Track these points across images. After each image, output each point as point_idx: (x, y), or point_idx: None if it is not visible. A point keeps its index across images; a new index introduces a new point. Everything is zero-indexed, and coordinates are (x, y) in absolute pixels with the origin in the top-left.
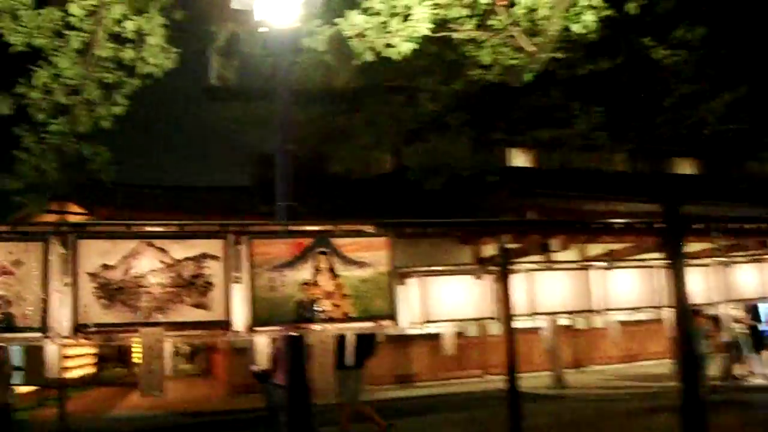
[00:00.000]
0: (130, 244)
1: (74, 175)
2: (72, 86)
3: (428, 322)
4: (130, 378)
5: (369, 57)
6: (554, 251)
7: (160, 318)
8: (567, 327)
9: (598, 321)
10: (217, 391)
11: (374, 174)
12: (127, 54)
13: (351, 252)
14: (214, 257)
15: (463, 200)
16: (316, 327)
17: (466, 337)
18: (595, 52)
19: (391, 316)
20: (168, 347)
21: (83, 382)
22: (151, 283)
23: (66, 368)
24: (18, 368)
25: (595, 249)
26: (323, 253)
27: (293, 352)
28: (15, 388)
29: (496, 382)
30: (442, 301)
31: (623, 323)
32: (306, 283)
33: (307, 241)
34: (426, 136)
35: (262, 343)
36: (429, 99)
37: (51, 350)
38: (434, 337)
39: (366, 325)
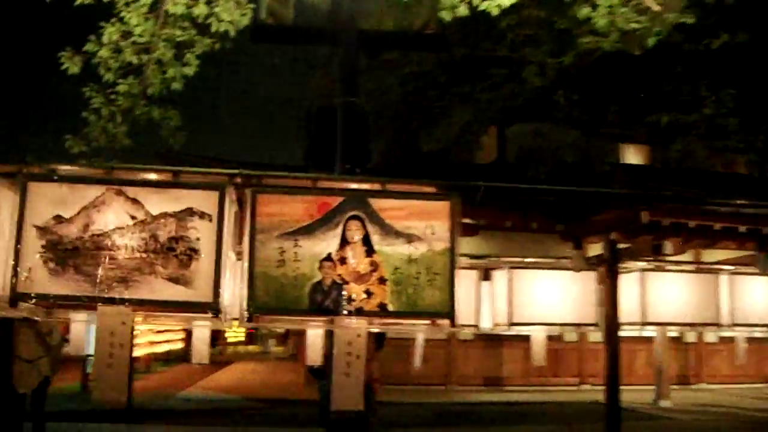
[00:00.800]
0: (93, 191)
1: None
2: (142, 45)
3: (516, 324)
4: (221, 357)
5: (463, 11)
6: (667, 254)
7: (124, 293)
8: (674, 339)
9: (710, 335)
10: (300, 378)
11: (470, 156)
12: (200, 10)
13: (397, 219)
14: (203, 215)
15: (568, 194)
16: (339, 321)
17: (563, 342)
18: (733, 19)
19: (448, 314)
20: (203, 333)
21: (169, 358)
22: (116, 245)
23: (153, 343)
24: (67, 340)
25: (713, 255)
26: (356, 218)
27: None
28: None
29: (593, 392)
30: (534, 300)
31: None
32: (328, 259)
33: (334, 201)
34: (530, 116)
35: (317, 335)
36: (535, 73)
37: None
38: (528, 339)
39: (410, 323)
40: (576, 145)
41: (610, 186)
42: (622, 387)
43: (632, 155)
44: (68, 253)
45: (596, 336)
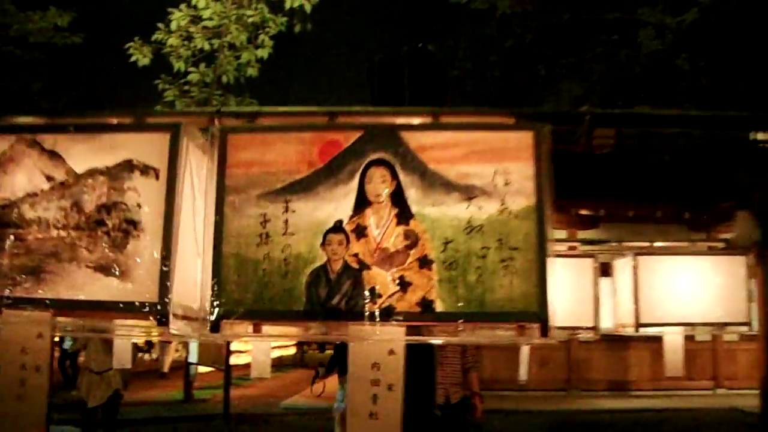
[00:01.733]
0: None
1: None
2: (213, 29)
3: (644, 325)
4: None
5: None
6: None
7: (37, 291)
8: None
9: None
10: None
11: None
12: None
13: (448, 163)
14: (147, 170)
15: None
16: (357, 330)
17: (696, 341)
18: None
19: (537, 314)
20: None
21: (282, 364)
22: (26, 220)
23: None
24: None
25: None
26: (382, 163)
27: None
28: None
29: (731, 397)
30: (667, 294)
31: None
32: (338, 230)
33: (346, 138)
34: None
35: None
36: (652, 37)
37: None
38: (656, 338)
39: (474, 331)
40: (705, 121)
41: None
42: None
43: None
44: None
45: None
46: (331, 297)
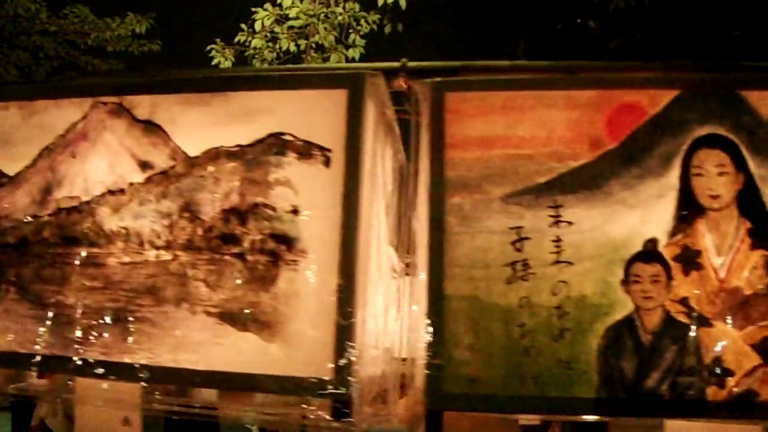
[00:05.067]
0: (68, 112)
1: None
2: (299, 29)
3: None
4: None
5: None
6: None
7: (123, 353)
8: None
9: None
10: None
11: None
12: None
13: None
14: (310, 151)
15: None
16: (695, 427)
17: None
18: None
19: None
20: None
21: None
22: (107, 233)
23: None
24: None
25: None
26: (717, 142)
27: None
28: None
29: None
30: None
31: None
32: (650, 257)
33: (654, 99)
34: None
35: None
36: None
37: None
38: None
39: None
40: None
41: None
42: None
43: None
44: (6, 255)
45: None
46: (643, 375)
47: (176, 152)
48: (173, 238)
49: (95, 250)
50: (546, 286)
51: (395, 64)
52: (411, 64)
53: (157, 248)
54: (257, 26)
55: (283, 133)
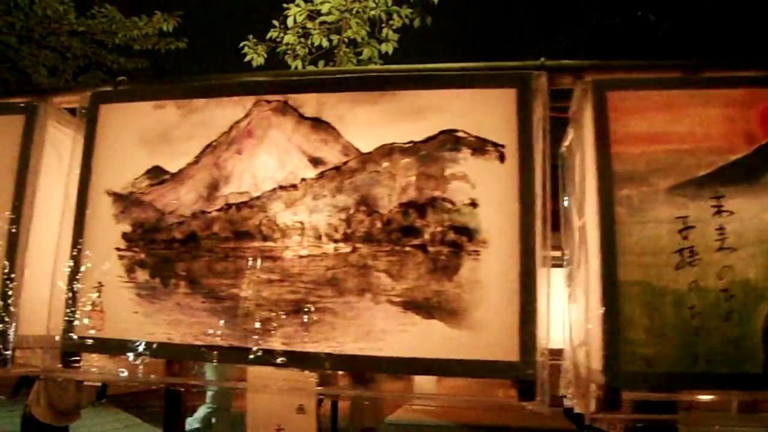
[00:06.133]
0: (231, 110)
1: None
2: (331, 24)
3: None
4: None
5: None
6: None
7: (305, 342)
8: None
9: None
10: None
11: None
12: None
13: None
14: (485, 147)
15: None
16: None
17: None
18: None
19: None
20: None
21: None
22: (279, 228)
23: None
24: None
25: None
26: None
27: None
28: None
29: None
30: None
31: None
32: None
33: None
34: None
35: None
36: None
37: None
38: None
39: None
40: None
41: None
42: None
43: None
44: (174, 250)
45: None
46: None
47: (348, 148)
48: (351, 231)
49: (270, 244)
50: (712, 271)
51: (535, 62)
52: (548, 63)
53: (336, 241)
54: (290, 22)
55: (455, 130)
